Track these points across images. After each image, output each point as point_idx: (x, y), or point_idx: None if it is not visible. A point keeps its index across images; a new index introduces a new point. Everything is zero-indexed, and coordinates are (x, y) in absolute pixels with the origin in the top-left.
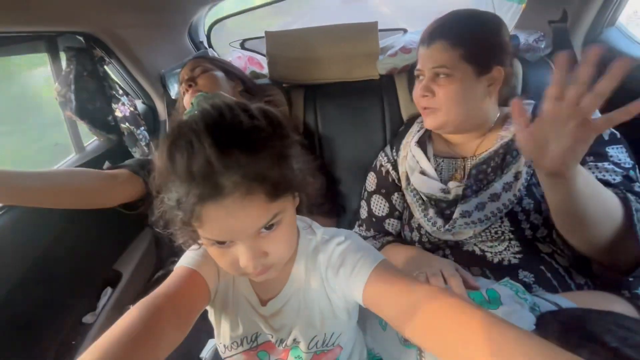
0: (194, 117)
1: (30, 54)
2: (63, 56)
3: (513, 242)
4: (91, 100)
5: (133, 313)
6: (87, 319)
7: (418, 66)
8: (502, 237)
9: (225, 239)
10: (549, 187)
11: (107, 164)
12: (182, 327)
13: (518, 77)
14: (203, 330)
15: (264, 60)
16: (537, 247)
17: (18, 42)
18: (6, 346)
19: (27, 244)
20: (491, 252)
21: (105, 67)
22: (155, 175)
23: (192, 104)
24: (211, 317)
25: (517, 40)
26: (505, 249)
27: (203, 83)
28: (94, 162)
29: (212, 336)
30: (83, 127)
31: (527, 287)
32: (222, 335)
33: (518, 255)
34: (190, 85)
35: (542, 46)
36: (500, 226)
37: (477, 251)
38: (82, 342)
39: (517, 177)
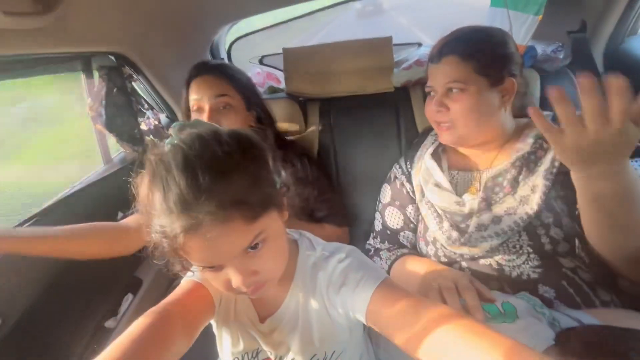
0: (168, 153)
1: (67, 72)
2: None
3: (532, 256)
4: (119, 114)
5: (143, 321)
6: (110, 323)
7: (429, 83)
8: (521, 251)
9: (212, 264)
10: (587, 179)
11: (120, 214)
12: (189, 336)
13: (536, 87)
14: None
15: (281, 76)
16: (558, 261)
17: (57, 63)
18: (34, 347)
19: None
20: (509, 266)
21: (133, 83)
22: (141, 210)
23: (171, 134)
24: (215, 331)
25: (535, 51)
26: (523, 263)
27: (218, 118)
28: (120, 172)
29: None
30: (111, 139)
31: (548, 302)
32: (224, 349)
33: (538, 270)
34: (207, 113)
35: (561, 56)
36: (518, 240)
37: (494, 264)
38: (104, 345)
39: (534, 190)
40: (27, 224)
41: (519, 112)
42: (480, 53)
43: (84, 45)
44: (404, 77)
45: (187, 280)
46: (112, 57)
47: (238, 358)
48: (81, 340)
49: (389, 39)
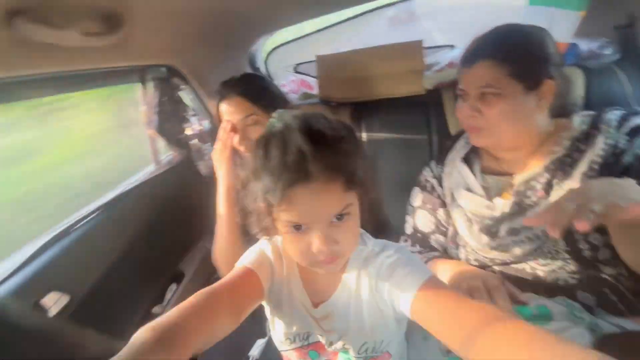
0: (284, 122)
1: (125, 84)
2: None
3: (570, 262)
4: (168, 120)
5: (194, 297)
6: (156, 309)
7: (461, 86)
8: (557, 256)
9: (305, 222)
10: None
11: None
12: (236, 316)
13: (580, 86)
14: (254, 331)
15: (314, 82)
16: (598, 268)
17: (118, 76)
18: (95, 324)
19: (112, 242)
20: (544, 271)
21: (180, 92)
22: (245, 172)
23: (273, 116)
24: (267, 313)
25: (578, 49)
26: (559, 268)
27: (249, 135)
28: (167, 173)
29: (261, 337)
30: (160, 143)
31: (588, 309)
32: (277, 330)
33: (576, 276)
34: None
35: (608, 53)
36: (553, 245)
37: (528, 269)
38: None
39: None
40: (95, 213)
41: (559, 112)
42: (516, 56)
43: (142, 59)
44: (436, 79)
45: (239, 266)
46: (164, 69)
47: (290, 338)
48: (132, 323)
49: (420, 42)
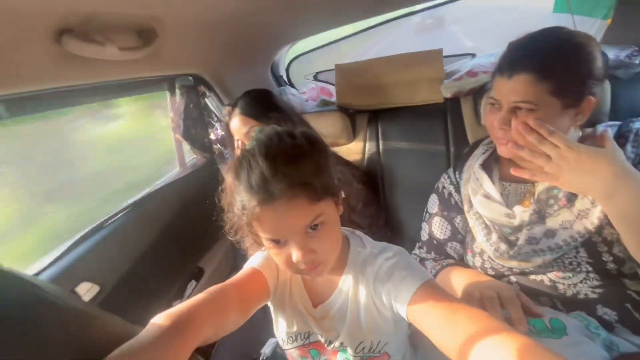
0: (251, 144)
1: (155, 92)
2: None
3: (592, 275)
4: (194, 126)
5: (208, 292)
6: (177, 304)
7: (494, 95)
8: (578, 269)
9: (279, 237)
10: (604, 203)
11: None
12: (243, 312)
13: (606, 97)
14: (266, 330)
15: (334, 90)
16: (622, 282)
17: (149, 85)
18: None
19: (139, 239)
20: (563, 284)
21: (206, 99)
22: (226, 193)
23: (252, 137)
24: (272, 313)
25: (606, 57)
26: (581, 282)
27: None
28: (192, 175)
29: (272, 335)
30: (186, 146)
31: (607, 325)
32: (280, 330)
33: (598, 290)
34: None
35: (637, 62)
36: (575, 256)
37: (547, 281)
38: None
39: (594, 203)
40: (124, 211)
41: (584, 122)
42: (561, 72)
43: (171, 69)
44: (455, 87)
45: (248, 267)
46: (190, 78)
47: (292, 337)
48: (154, 315)
49: (440, 51)
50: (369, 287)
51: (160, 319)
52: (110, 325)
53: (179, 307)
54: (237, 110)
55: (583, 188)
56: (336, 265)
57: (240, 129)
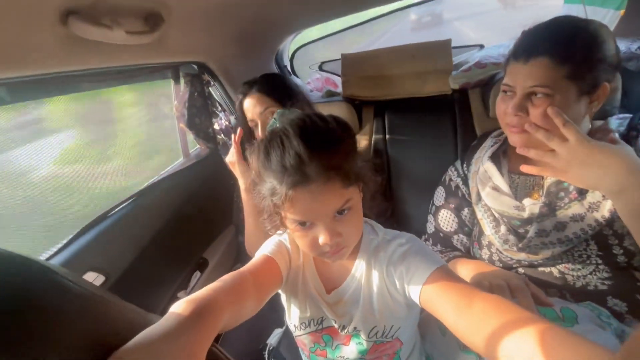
0: (283, 124)
1: (160, 80)
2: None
3: (601, 267)
4: (198, 115)
5: (225, 278)
6: (182, 295)
7: (508, 81)
8: (588, 261)
9: (309, 219)
10: (613, 198)
11: None
12: (259, 299)
13: (618, 89)
14: (272, 321)
15: (339, 81)
16: (633, 274)
17: (153, 72)
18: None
19: (143, 229)
20: (573, 275)
21: (210, 88)
22: (251, 174)
23: (274, 118)
24: (283, 300)
25: (618, 49)
26: (590, 274)
27: (265, 127)
28: (196, 165)
29: (278, 326)
30: (190, 137)
31: (618, 316)
32: (292, 316)
33: (607, 282)
34: (254, 124)
35: None
36: (585, 249)
37: (556, 273)
38: None
39: (605, 196)
40: (129, 201)
41: (595, 115)
42: (577, 57)
43: (176, 56)
44: (462, 79)
45: (260, 254)
46: (195, 66)
47: (305, 323)
48: (159, 306)
49: (448, 41)
50: (382, 272)
51: (181, 305)
52: (130, 312)
53: (198, 294)
54: (255, 88)
55: (593, 183)
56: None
57: (255, 107)
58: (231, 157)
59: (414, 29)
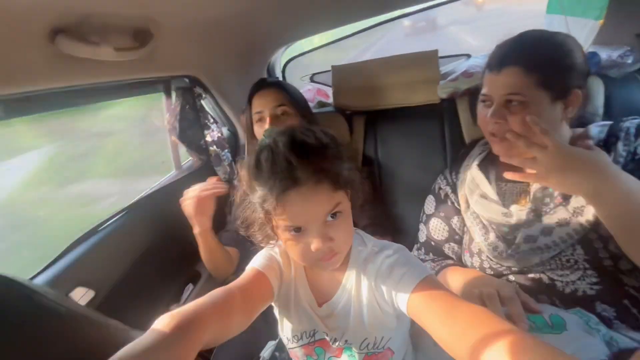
0: (272, 138)
1: (151, 94)
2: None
3: (589, 272)
4: (190, 127)
5: (212, 294)
6: (173, 308)
7: (485, 91)
8: (576, 266)
9: (300, 224)
10: (592, 201)
11: None
12: (248, 314)
13: (599, 96)
14: (265, 333)
15: (330, 91)
16: (620, 279)
17: (145, 86)
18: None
19: (134, 243)
20: (562, 281)
21: (202, 101)
22: (241, 185)
23: (264, 135)
24: (276, 313)
25: (598, 58)
26: (579, 279)
27: (277, 125)
28: (188, 177)
29: (271, 339)
30: (182, 149)
31: (606, 321)
32: (285, 329)
33: (595, 287)
34: (267, 120)
35: (629, 61)
36: (572, 254)
37: (545, 279)
38: None
39: None
40: (120, 214)
41: (577, 122)
42: (545, 65)
43: (167, 71)
44: (450, 88)
45: (251, 268)
46: (186, 80)
47: (297, 336)
48: (151, 319)
49: (435, 52)
50: (371, 285)
51: (164, 320)
52: (111, 329)
53: (182, 309)
54: (273, 85)
55: (572, 188)
56: (340, 263)
57: (270, 101)
58: (189, 204)
59: (408, 35)
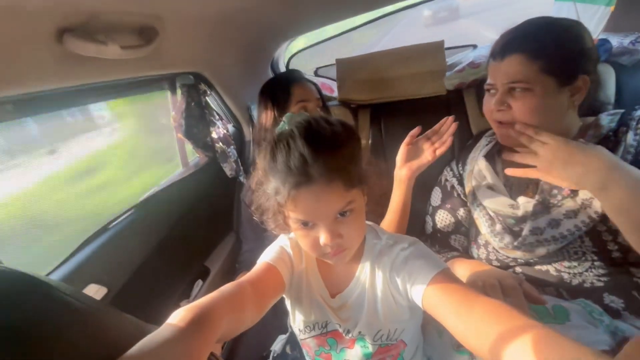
0: (289, 127)
1: (156, 91)
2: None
3: (597, 264)
4: (195, 124)
5: (225, 288)
6: (183, 303)
7: (489, 80)
8: (584, 258)
9: (311, 219)
10: (599, 195)
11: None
12: (260, 308)
13: (611, 84)
14: (276, 327)
15: (334, 85)
16: (629, 270)
17: (150, 84)
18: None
19: (144, 240)
20: (569, 273)
21: (207, 97)
22: (258, 173)
23: (283, 121)
24: (287, 304)
25: (609, 44)
26: (586, 270)
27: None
28: (195, 174)
29: (282, 332)
30: (188, 146)
31: (614, 313)
32: (297, 320)
33: (603, 278)
34: (304, 107)
35: None
36: (580, 246)
37: (552, 271)
38: None
39: None
40: (129, 212)
41: (587, 111)
42: (549, 51)
43: (171, 68)
44: (457, 79)
45: (262, 262)
46: (191, 76)
47: (309, 327)
48: (162, 315)
49: (441, 42)
50: (386, 276)
51: (179, 314)
52: (128, 324)
53: (197, 303)
54: (306, 78)
55: (577, 181)
56: (353, 255)
57: (314, 93)
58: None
59: (428, 26)
